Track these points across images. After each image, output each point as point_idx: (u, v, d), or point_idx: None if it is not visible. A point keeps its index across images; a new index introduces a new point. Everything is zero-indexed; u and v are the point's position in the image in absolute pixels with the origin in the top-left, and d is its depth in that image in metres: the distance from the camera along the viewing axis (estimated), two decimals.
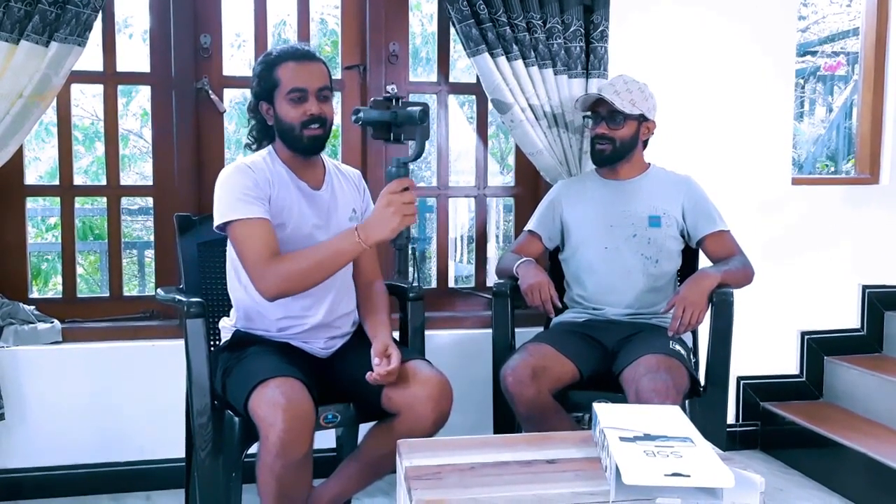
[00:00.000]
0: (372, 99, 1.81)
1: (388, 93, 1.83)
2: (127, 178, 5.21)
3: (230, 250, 2.12)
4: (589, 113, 2.51)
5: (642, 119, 2.45)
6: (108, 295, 2.89)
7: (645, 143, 2.54)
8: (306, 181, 2.11)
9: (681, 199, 2.48)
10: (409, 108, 1.77)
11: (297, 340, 2.12)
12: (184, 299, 2.10)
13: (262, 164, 2.07)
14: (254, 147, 2.16)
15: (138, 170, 5.78)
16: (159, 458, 2.71)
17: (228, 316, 2.22)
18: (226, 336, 2.17)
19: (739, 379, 3.17)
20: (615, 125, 2.42)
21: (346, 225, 2.13)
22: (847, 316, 3.29)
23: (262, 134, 2.14)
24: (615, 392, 2.19)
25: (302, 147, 2.06)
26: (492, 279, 2.70)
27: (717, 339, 2.30)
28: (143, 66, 2.81)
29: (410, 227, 1.88)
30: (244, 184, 1.99)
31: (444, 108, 3.02)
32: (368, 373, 1.95)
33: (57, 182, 2.81)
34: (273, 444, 1.79)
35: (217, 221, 2.00)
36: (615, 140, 2.44)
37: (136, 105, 5.73)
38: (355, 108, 1.81)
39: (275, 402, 1.80)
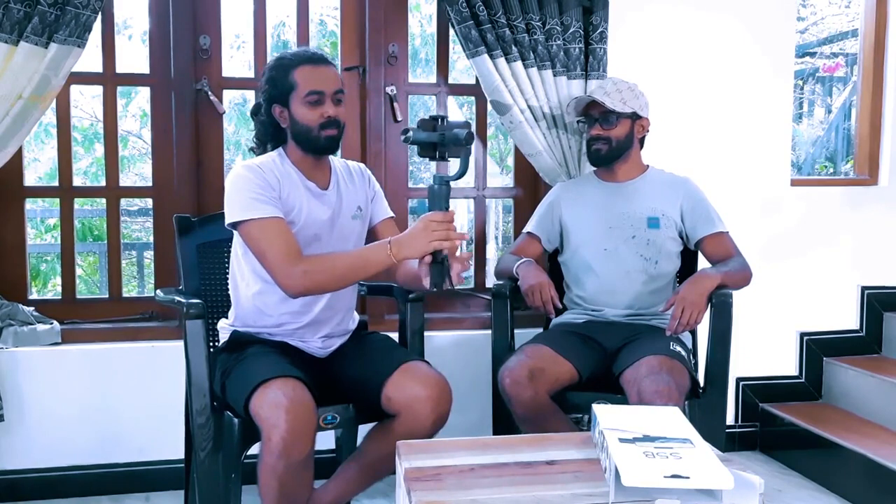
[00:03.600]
0: (419, 119, 1.90)
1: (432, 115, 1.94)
2: (126, 180, 5.20)
3: (237, 250, 2.12)
4: (582, 118, 2.52)
5: (635, 117, 2.46)
6: (107, 296, 2.89)
7: (642, 143, 2.54)
8: (315, 182, 2.12)
9: (679, 200, 2.48)
10: (456, 130, 1.86)
11: (294, 339, 2.13)
12: (183, 300, 2.10)
13: (271, 164, 2.08)
14: (258, 151, 2.16)
15: (138, 171, 5.78)
16: (159, 459, 2.71)
17: (227, 317, 2.22)
18: (224, 337, 2.17)
19: (739, 380, 3.17)
20: (609, 125, 2.43)
21: (350, 224, 2.16)
22: (846, 317, 3.30)
23: (267, 137, 2.14)
24: (614, 393, 2.19)
25: (319, 148, 2.08)
26: (491, 280, 2.70)
27: (717, 340, 2.30)
28: (143, 67, 2.81)
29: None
30: (257, 183, 2.00)
31: (443, 110, 3.02)
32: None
33: (56, 183, 2.81)
34: (275, 445, 1.79)
35: (230, 219, 2.01)
36: (611, 140, 2.45)
37: (136, 106, 5.73)
38: (404, 129, 1.92)
39: (277, 403, 1.80)
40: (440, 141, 1.88)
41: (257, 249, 1.98)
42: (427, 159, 1.93)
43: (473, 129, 3.08)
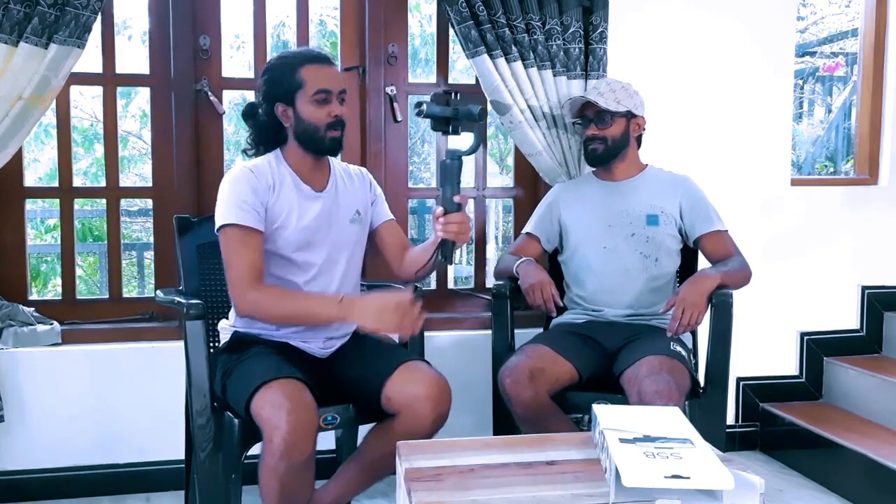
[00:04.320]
0: (432, 93, 1.92)
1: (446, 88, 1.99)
2: (126, 180, 5.21)
3: None
4: (578, 119, 2.52)
5: (630, 116, 2.46)
6: (107, 296, 2.89)
7: (639, 142, 2.54)
8: (310, 184, 2.11)
9: (678, 197, 2.48)
10: (470, 106, 1.88)
11: (296, 340, 2.13)
12: (183, 301, 2.10)
13: (266, 167, 2.07)
14: (251, 153, 2.15)
15: (138, 171, 5.78)
16: (159, 459, 2.71)
17: (227, 317, 2.22)
18: (225, 337, 2.17)
19: (739, 380, 3.17)
20: (604, 125, 2.44)
21: (347, 227, 2.15)
22: (846, 316, 3.29)
23: (264, 138, 2.13)
24: (615, 393, 2.19)
25: (323, 148, 2.08)
26: (491, 280, 2.70)
27: (717, 340, 2.30)
28: (143, 67, 2.81)
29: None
30: (243, 190, 2.01)
31: None
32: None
33: (56, 184, 2.81)
34: (277, 447, 1.79)
35: (216, 223, 2.03)
36: (607, 139, 2.45)
37: (136, 106, 5.73)
38: (417, 102, 1.91)
39: (278, 404, 1.81)
40: (453, 115, 1.88)
41: (225, 258, 2.01)
42: (440, 134, 1.93)
43: None
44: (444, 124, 1.90)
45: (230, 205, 2.00)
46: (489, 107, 2.79)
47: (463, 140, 1.94)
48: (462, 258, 5.28)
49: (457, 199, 1.91)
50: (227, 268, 2.01)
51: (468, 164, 3.06)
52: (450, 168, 1.90)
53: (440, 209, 1.92)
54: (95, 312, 2.81)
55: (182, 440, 2.30)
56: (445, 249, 1.95)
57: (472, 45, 2.64)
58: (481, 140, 1.91)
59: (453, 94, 1.90)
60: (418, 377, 1.99)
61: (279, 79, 2.05)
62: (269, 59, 2.27)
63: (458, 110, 1.88)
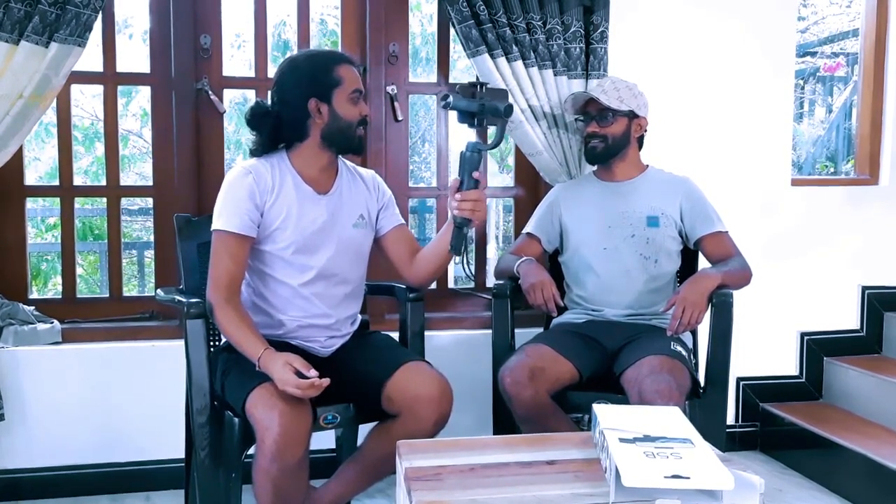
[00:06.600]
0: (458, 85, 1.90)
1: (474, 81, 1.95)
2: (127, 179, 5.20)
3: None
4: (581, 116, 2.52)
5: (632, 116, 2.46)
6: (107, 295, 2.89)
7: (640, 143, 2.54)
8: (313, 185, 2.10)
9: (679, 199, 2.48)
10: (496, 101, 1.87)
11: (296, 339, 2.13)
12: (184, 300, 2.10)
13: (266, 168, 2.06)
14: (258, 154, 2.12)
15: (138, 170, 5.78)
16: (159, 458, 2.71)
17: None
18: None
19: (739, 380, 3.17)
20: (605, 122, 2.44)
21: (350, 230, 2.15)
22: (847, 317, 3.29)
23: (279, 136, 2.10)
24: (615, 393, 2.19)
25: (352, 146, 2.10)
26: (491, 280, 2.70)
27: (717, 340, 2.30)
28: (143, 66, 2.81)
29: (469, 226, 1.95)
30: (238, 195, 2.02)
31: (443, 112, 3.01)
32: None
33: (57, 182, 2.81)
34: (269, 448, 1.79)
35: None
36: (607, 137, 2.45)
37: (136, 105, 5.73)
38: (443, 94, 1.92)
39: (271, 405, 1.81)
40: (479, 110, 1.87)
41: (211, 262, 2.04)
42: (465, 126, 1.92)
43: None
44: (470, 118, 1.89)
45: (222, 209, 2.03)
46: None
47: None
48: (462, 258, 5.26)
49: (475, 175, 1.90)
50: (210, 269, 2.05)
51: None
52: (469, 160, 1.90)
53: (455, 183, 1.91)
54: (96, 311, 2.81)
55: (182, 439, 2.30)
56: (457, 236, 1.92)
57: (472, 45, 2.64)
58: (503, 135, 1.89)
59: (479, 87, 1.88)
60: (420, 378, 1.99)
61: (317, 75, 2.04)
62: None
63: (484, 105, 1.86)
